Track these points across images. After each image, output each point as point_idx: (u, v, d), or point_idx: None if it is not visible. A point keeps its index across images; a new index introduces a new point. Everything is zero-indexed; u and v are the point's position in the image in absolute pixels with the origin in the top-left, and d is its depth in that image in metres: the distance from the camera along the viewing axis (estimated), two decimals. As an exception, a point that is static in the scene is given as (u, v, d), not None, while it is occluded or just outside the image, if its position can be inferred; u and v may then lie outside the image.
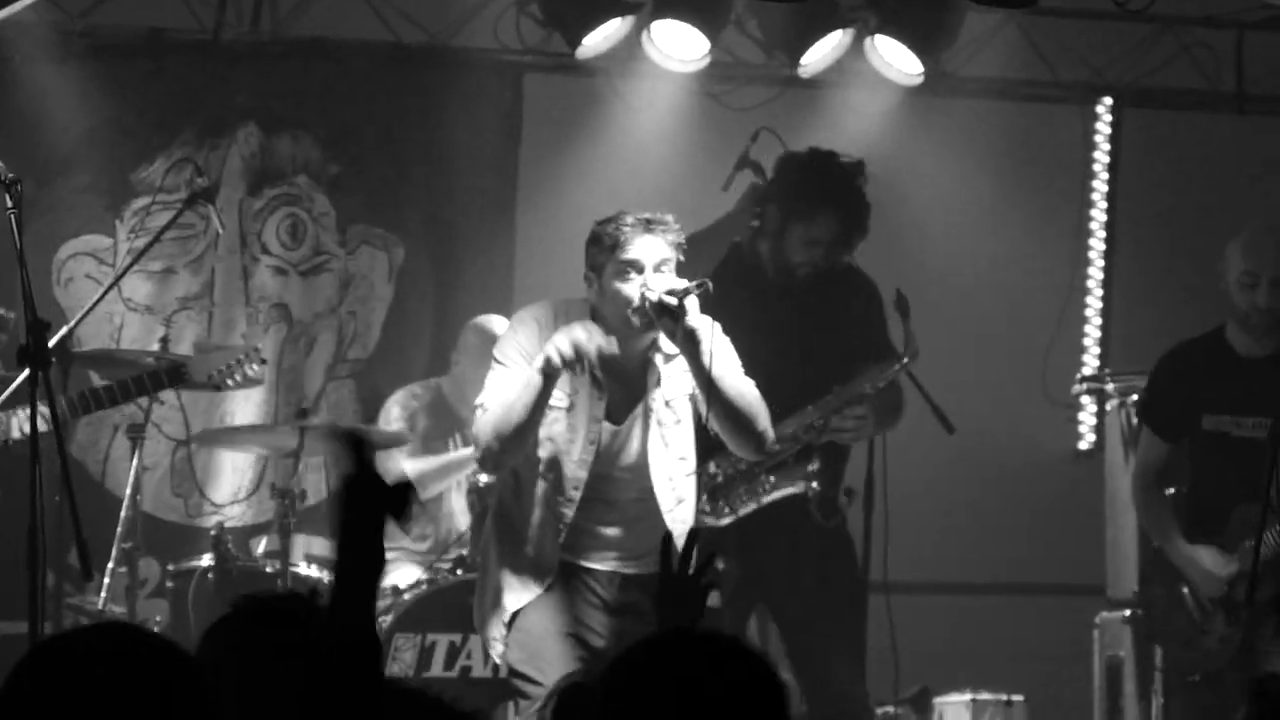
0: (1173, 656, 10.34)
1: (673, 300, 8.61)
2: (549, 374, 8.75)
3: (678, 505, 9.04)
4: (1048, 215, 13.29)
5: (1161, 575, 10.14)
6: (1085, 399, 13.04)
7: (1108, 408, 12.32)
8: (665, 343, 8.93)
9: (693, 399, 9.13)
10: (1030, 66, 12.85)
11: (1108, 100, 13.37)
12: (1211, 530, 9.90)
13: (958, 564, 12.70)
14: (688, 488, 9.17)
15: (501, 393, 8.93)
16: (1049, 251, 13.30)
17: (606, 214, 9.00)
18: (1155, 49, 12.98)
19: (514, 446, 8.91)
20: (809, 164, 9.97)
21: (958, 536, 12.54)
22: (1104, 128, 13.48)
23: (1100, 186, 13.49)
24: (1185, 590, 9.97)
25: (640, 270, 8.69)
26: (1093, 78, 13.22)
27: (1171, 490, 10.19)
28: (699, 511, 9.56)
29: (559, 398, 8.96)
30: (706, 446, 9.49)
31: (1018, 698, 11.30)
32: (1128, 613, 11.26)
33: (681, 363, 8.96)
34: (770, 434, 9.10)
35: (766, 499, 9.90)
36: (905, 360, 9.99)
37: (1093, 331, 13.37)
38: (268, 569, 10.73)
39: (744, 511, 10.13)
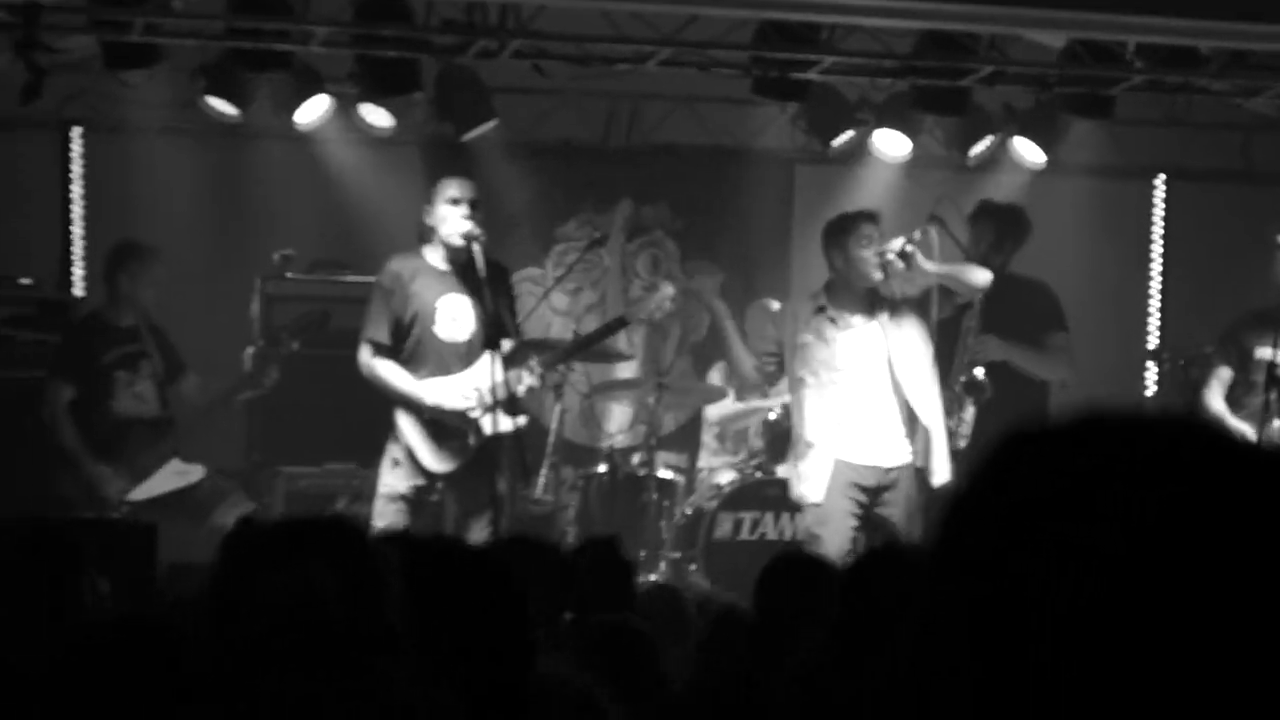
0: None
1: (909, 248, 9.57)
2: None
3: (908, 384, 9.69)
4: (1123, 252, 13.75)
5: None
6: (1149, 363, 13.50)
7: (1164, 368, 13.04)
8: (889, 289, 9.73)
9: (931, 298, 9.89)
10: (1110, 154, 13.02)
11: (1162, 176, 13.87)
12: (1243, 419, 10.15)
13: None
14: (903, 372, 9.73)
15: None
16: (1125, 274, 13.73)
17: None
18: (1193, 144, 13.17)
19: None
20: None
21: None
22: (1160, 194, 13.94)
23: (1158, 233, 13.99)
24: None
25: (874, 238, 9.65)
26: (1151, 161, 13.65)
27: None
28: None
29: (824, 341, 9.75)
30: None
31: None
32: None
33: (907, 308, 9.80)
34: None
35: None
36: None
37: (1154, 324, 13.82)
38: (640, 473, 11.42)
39: None
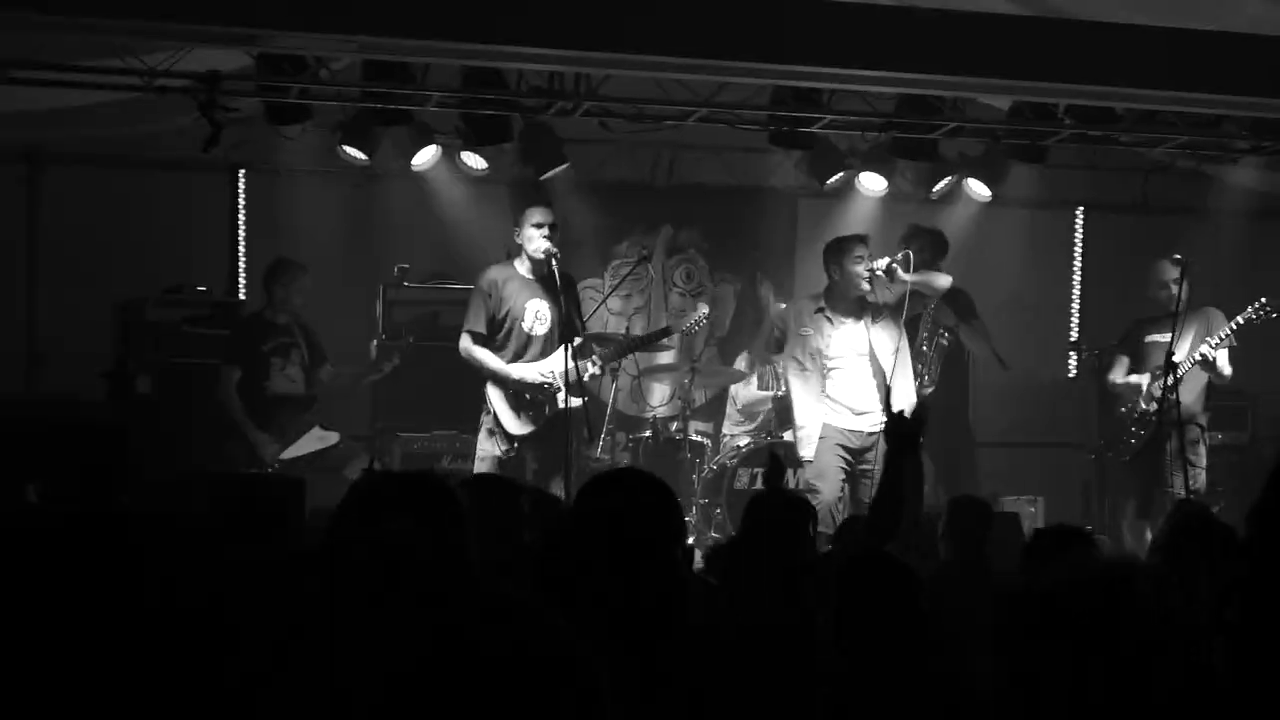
0: (1110, 448, 10.56)
1: (894, 265, 9.68)
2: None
3: (892, 380, 9.66)
4: (1051, 267, 13.61)
5: (1105, 412, 10.75)
6: (1071, 353, 13.36)
7: (1081, 357, 12.98)
8: (874, 296, 9.67)
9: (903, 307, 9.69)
10: (1041, 191, 12.88)
11: (1080, 208, 13.81)
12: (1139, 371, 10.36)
13: (1008, 431, 12.48)
14: (898, 371, 9.73)
15: None
16: (1052, 284, 13.62)
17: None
18: (1103, 183, 13.22)
19: None
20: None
21: (1009, 418, 12.44)
22: (1079, 222, 13.87)
23: (1078, 252, 13.88)
24: (1121, 410, 10.39)
25: (865, 257, 9.67)
26: (1073, 197, 13.61)
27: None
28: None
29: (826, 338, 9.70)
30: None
31: (1040, 498, 11.53)
32: (1093, 456, 11.46)
33: (886, 312, 9.75)
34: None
35: None
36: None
37: (1075, 323, 13.71)
38: (677, 437, 11.46)
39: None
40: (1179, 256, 10.16)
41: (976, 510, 6.56)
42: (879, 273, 9.64)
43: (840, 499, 9.67)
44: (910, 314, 10.17)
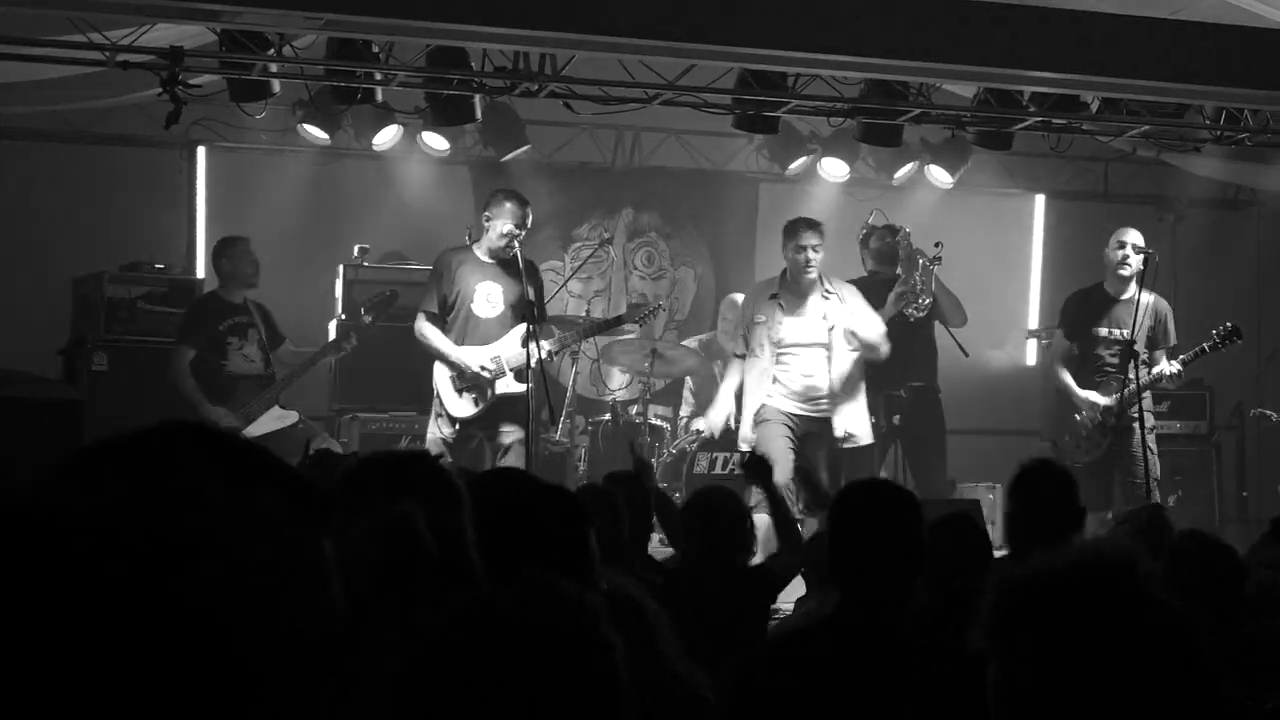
0: (1067, 453, 10.26)
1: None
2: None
3: (836, 363, 9.69)
4: (1012, 253, 13.76)
5: (1062, 410, 10.50)
6: (1030, 340, 13.44)
7: (1040, 344, 12.92)
8: (824, 284, 9.72)
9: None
10: (1002, 178, 13.20)
11: (1041, 195, 13.94)
12: (1094, 384, 10.24)
13: (970, 417, 12.11)
14: (837, 353, 9.72)
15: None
16: (1013, 270, 13.76)
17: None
18: (1064, 171, 13.40)
19: None
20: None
21: (969, 404, 12.08)
22: (1040, 209, 14.02)
23: (1037, 239, 14.03)
24: (1076, 416, 10.31)
25: (810, 245, 9.65)
26: (1033, 185, 13.74)
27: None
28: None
29: (777, 323, 9.70)
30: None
31: (997, 486, 11.12)
32: (1052, 443, 11.01)
33: (837, 293, 9.75)
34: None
35: None
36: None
37: (1033, 310, 13.84)
38: (637, 421, 11.37)
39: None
40: (1141, 245, 10.15)
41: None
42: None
43: (791, 481, 9.49)
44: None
